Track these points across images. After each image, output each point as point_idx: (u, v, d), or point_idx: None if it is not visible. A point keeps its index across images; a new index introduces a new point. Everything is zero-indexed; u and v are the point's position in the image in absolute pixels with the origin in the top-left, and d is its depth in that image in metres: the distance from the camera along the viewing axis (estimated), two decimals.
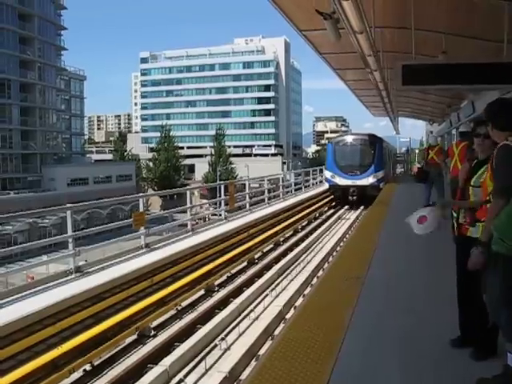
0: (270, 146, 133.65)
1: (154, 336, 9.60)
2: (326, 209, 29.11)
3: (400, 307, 6.80)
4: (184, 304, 11.25)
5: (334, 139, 32.89)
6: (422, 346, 5.48)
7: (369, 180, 28.97)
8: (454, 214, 5.24)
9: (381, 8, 13.04)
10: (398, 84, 11.85)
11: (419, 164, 19.78)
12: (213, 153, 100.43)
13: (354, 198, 29.19)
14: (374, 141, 30.83)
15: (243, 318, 10.39)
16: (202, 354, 8.54)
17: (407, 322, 6.15)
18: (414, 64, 12.01)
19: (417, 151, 68.88)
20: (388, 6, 13.64)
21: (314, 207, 27.10)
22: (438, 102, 29.87)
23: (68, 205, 11.02)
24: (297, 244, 18.56)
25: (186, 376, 7.60)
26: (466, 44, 14.68)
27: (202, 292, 12.22)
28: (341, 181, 29.42)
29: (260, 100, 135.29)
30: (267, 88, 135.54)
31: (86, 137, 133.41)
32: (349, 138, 31.85)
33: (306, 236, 20.24)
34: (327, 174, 30.72)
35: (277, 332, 9.45)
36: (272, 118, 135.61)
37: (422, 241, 11.39)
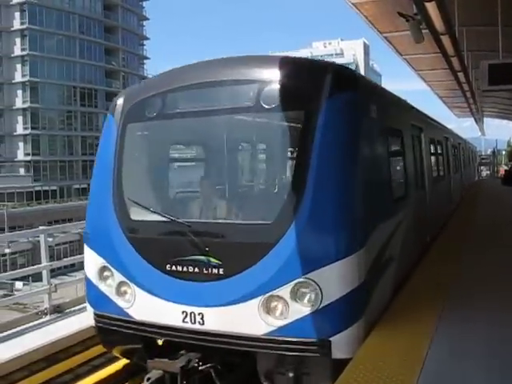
0: None
1: None
2: None
3: (488, 318, 6.52)
4: None
5: (127, 95, 7.14)
6: None
7: (285, 316, 5.44)
8: None
9: (465, 5, 12.69)
10: (484, 84, 11.44)
11: (506, 166, 18.93)
12: None
13: None
14: (338, 91, 5.81)
15: None
16: None
17: (497, 334, 5.89)
18: (502, 63, 11.57)
19: (503, 153, 66.36)
20: (472, 2, 13.24)
21: None
22: None
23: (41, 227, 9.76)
24: None
25: None
26: None
27: None
28: (135, 308, 6.19)
29: None
30: None
31: None
32: (192, 78, 6.49)
33: None
34: (89, 269, 6.69)
35: None
36: None
37: None
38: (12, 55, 70.96)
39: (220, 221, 6.42)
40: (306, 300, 5.34)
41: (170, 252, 5.94)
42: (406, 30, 11.25)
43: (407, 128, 8.94)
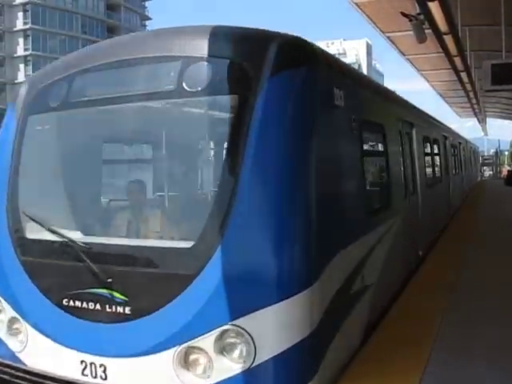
0: None
1: None
2: None
3: (492, 317, 6.50)
4: None
5: (30, 81, 5.77)
6: None
7: (209, 374, 4.03)
8: None
9: (467, 5, 12.67)
10: (487, 84, 11.42)
11: (509, 166, 18.90)
12: None
13: None
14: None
15: None
16: None
17: (500, 333, 5.87)
18: (505, 63, 11.55)
19: (506, 153, 66.24)
20: (475, 2, 13.22)
21: None
22: None
23: None
24: None
25: None
26: None
27: None
28: (28, 352, 4.75)
29: None
30: None
31: None
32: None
33: None
34: None
35: None
36: None
37: None
38: (15, 55, 71.26)
39: (127, 242, 4.84)
40: (235, 354, 3.93)
41: (68, 282, 4.52)
42: (408, 29, 11.23)
43: (392, 123, 7.55)
